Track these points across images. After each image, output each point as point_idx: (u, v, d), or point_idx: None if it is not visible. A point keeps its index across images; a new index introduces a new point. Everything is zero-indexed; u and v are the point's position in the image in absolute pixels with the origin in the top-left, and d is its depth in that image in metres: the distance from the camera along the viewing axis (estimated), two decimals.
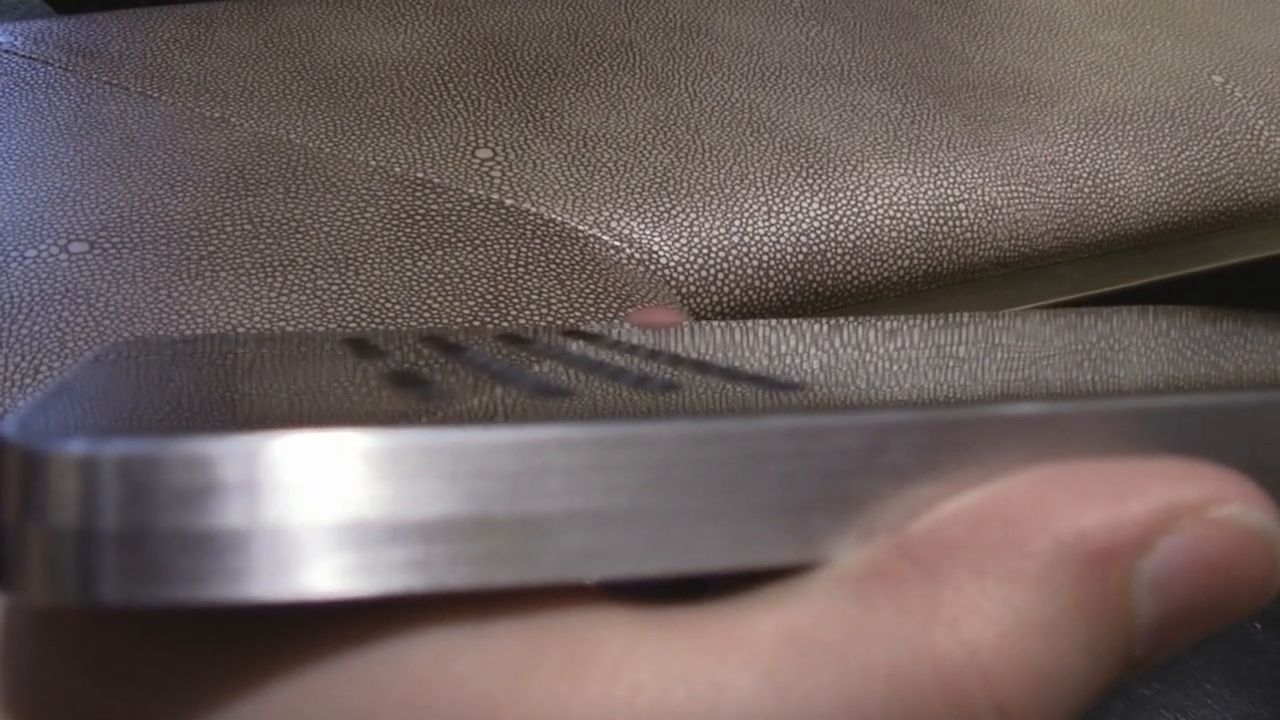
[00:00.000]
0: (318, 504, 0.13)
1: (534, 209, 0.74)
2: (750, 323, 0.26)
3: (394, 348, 0.21)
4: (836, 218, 0.78)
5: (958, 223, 0.81)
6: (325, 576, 0.13)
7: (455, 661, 0.14)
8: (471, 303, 0.64)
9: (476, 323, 0.63)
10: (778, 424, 0.15)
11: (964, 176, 0.82)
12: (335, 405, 0.17)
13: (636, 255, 0.73)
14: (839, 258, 0.77)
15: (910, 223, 0.80)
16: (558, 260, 0.68)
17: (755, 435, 0.14)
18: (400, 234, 0.67)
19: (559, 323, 0.63)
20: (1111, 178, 0.86)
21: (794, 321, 0.25)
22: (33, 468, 0.13)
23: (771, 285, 0.75)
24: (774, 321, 0.25)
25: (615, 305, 0.66)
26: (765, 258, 0.76)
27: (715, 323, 0.26)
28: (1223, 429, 0.16)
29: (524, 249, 0.69)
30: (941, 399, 0.16)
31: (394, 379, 0.18)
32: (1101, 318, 0.27)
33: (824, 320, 0.26)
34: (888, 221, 0.79)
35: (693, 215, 0.75)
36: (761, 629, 0.14)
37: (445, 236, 0.68)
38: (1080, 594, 0.15)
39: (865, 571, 0.15)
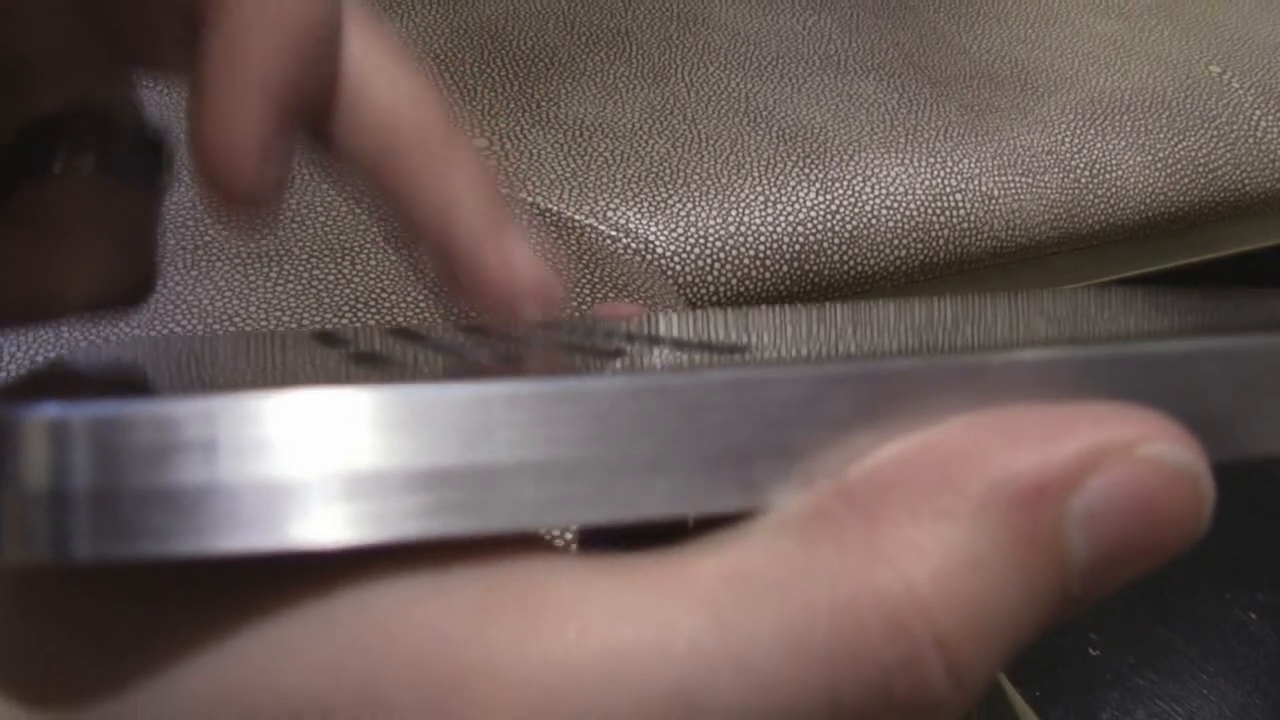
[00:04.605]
0: (277, 460, 0.14)
1: (530, 199, 0.74)
2: (705, 308, 0.27)
3: (358, 337, 0.22)
4: (833, 207, 0.78)
5: (954, 213, 0.81)
6: (285, 530, 0.14)
7: (416, 609, 0.14)
8: None
9: (472, 313, 0.63)
10: (717, 377, 0.15)
11: (960, 167, 0.82)
12: (295, 374, 0.18)
13: (633, 245, 0.73)
14: (835, 247, 0.77)
15: (907, 213, 0.80)
16: (554, 250, 0.68)
17: (695, 388, 0.15)
18: None
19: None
20: (1108, 168, 0.86)
21: (748, 307, 0.26)
22: (5, 433, 0.13)
23: (768, 275, 0.75)
24: (725, 309, 0.26)
25: (612, 295, 0.66)
26: (762, 247, 0.76)
27: (673, 310, 0.27)
28: (1152, 376, 0.17)
29: None
30: (877, 352, 0.17)
31: (355, 358, 0.19)
32: (1037, 296, 0.27)
33: (777, 306, 0.27)
34: (884, 211, 0.79)
35: (689, 205, 0.75)
36: (706, 570, 0.15)
37: None
38: (1012, 531, 0.15)
39: (806, 514, 0.15)
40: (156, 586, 0.15)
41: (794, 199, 0.78)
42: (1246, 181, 0.90)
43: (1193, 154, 0.89)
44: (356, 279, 0.63)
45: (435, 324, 0.25)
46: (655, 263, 0.73)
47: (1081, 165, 0.85)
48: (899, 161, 0.81)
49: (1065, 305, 0.25)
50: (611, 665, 0.14)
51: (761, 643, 0.14)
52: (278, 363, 0.19)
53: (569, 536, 0.16)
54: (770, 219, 0.76)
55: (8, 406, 0.14)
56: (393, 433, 0.14)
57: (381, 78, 0.24)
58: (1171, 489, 0.16)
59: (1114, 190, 0.85)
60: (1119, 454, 0.16)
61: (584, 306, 0.64)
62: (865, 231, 0.78)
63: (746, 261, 0.75)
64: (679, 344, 0.19)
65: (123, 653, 0.15)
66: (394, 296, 0.63)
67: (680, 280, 0.73)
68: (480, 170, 0.25)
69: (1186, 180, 0.88)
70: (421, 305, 0.62)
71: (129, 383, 0.17)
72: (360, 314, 0.61)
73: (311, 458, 0.14)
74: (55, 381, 0.16)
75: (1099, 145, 0.87)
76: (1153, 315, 0.23)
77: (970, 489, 0.15)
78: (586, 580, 0.15)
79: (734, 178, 0.77)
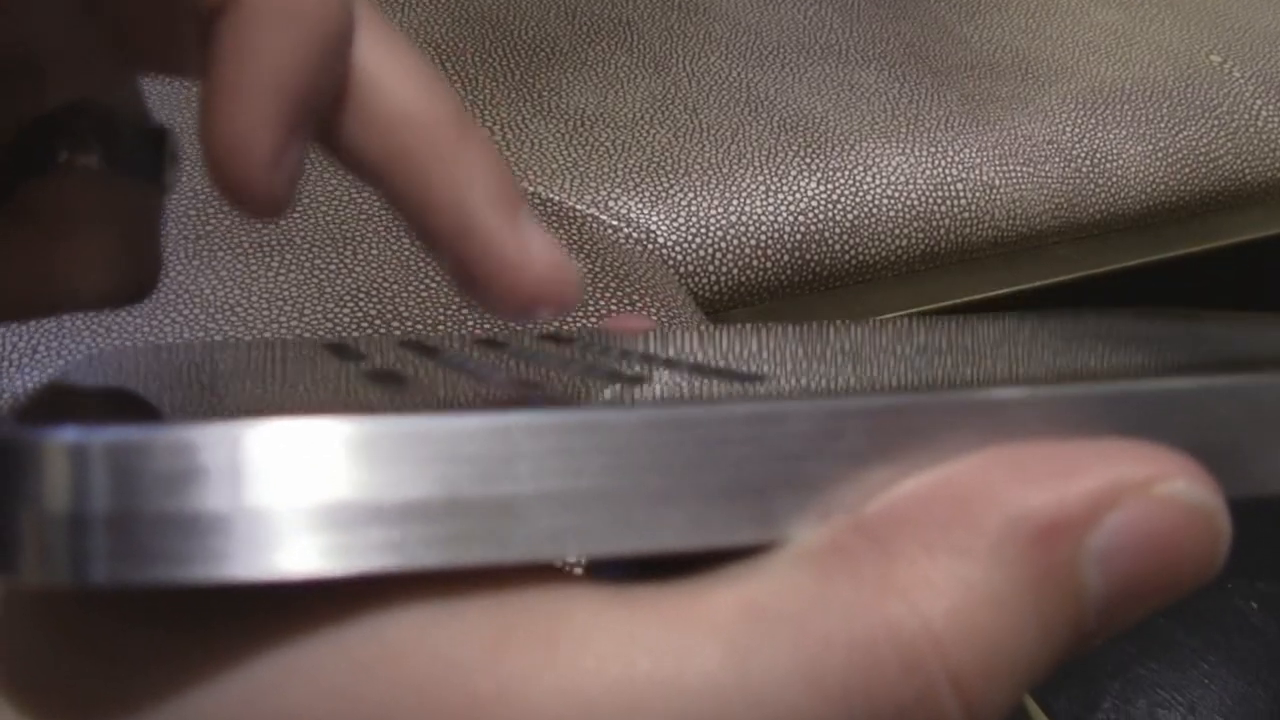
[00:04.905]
0: (297, 487, 0.14)
1: (532, 188, 0.74)
2: (719, 325, 0.27)
3: (372, 351, 0.22)
4: (834, 197, 0.78)
5: (955, 202, 0.81)
6: (304, 557, 0.14)
7: (431, 637, 0.14)
8: None
9: (474, 302, 0.63)
10: (735, 410, 0.15)
11: (962, 156, 0.82)
12: (314, 397, 0.18)
13: (635, 235, 0.73)
14: (837, 237, 0.77)
15: (908, 202, 0.80)
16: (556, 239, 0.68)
17: (713, 420, 0.15)
18: None
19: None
20: (1109, 157, 0.86)
21: (761, 325, 0.27)
22: (26, 456, 0.13)
23: (769, 264, 0.75)
24: (741, 325, 0.27)
25: (613, 285, 0.66)
26: (763, 237, 0.76)
27: (686, 326, 0.27)
28: (1166, 412, 0.17)
29: None
30: (894, 385, 0.17)
31: (371, 376, 0.19)
32: (1037, 320, 0.28)
33: (789, 324, 0.27)
34: (885, 201, 0.79)
35: (691, 195, 0.75)
36: (723, 602, 0.15)
37: None
38: (1028, 568, 0.15)
39: (823, 548, 0.15)
40: (171, 607, 0.15)
41: (795, 188, 0.78)
42: (1247, 171, 0.90)
43: (1193, 143, 0.89)
44: (358, 268, 0.63)
45: (448, 336, 0.25)
46: (656, 252, 0.73)
47: (1082, 155, 0.85)
48: (900, 151, 0.81)
49: (1078, 331, 0.25)
50: (626, 696, 0.14)
51: (777, 676, 0.14)
52: (293, 381, 0.19)
53: (583, 565, 0.16)
54: (771, 208, 0.76)
55: (27, 428, 0.14)
56: (413, 462, 0.14)
57: (392, 74, 0.24)
58: (1188, 527, 0.16)
59: (1115, 179, 0.85)
60: (1136, 491, 0.16)
61: (586, 296, 0.64)
62: (866, 221, 0.78)
63: (748, 251, 0.75)
64: (697, 369, 0.19)
65: (136, 673, 0.15)
66: (395, 286, 0.63)
67: (681, 270, 0.73)
68: (494, 163, 0.25)
69: (1187, 170, 0.88)
70: (423, 295, 0.62)
71: (145, 403, 0.17)
72: (362, 303, 0.61)
73: (329, 486, 0.14)
74: (71, 400, 0.16)
75: (1100, 135, 0.87)
76: (1165, 345, 0.23)
77: (987, 525, 0.15)
78: (602, 610, 0.15)
79: (735, 167, 0.77)
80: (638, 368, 0.19)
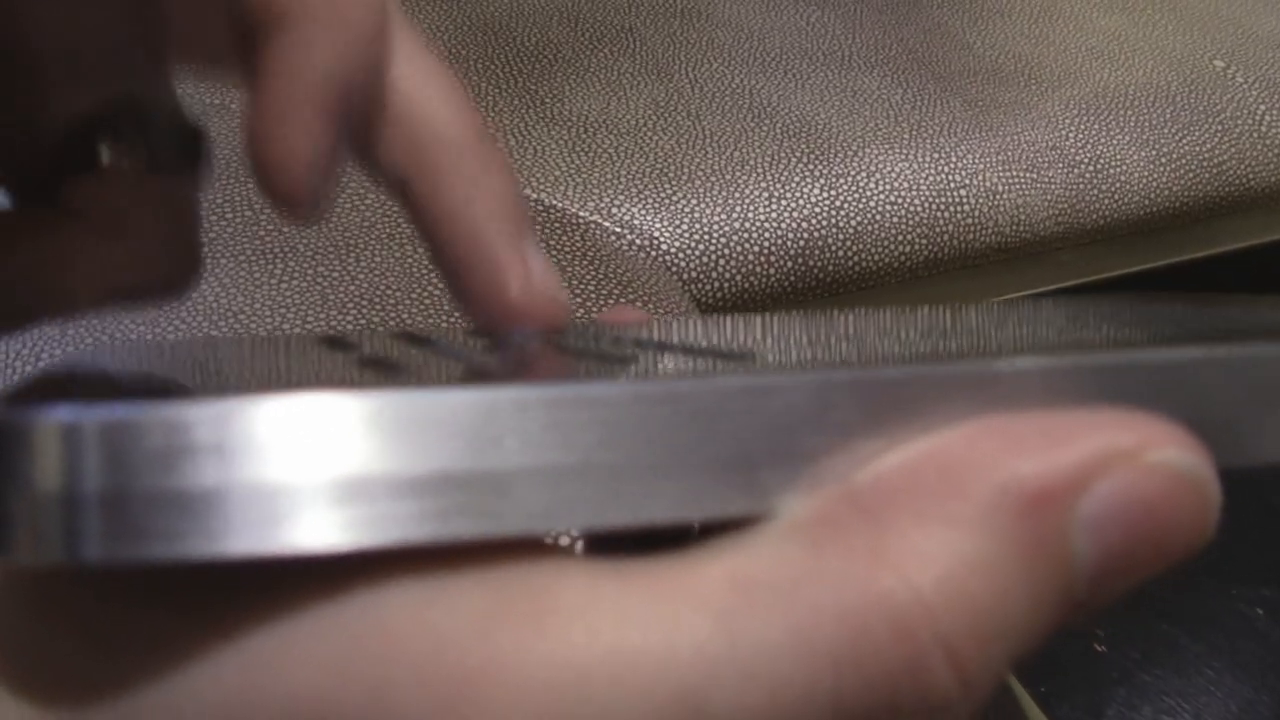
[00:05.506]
0: (288, 464, 0.14)
1: (534, 195, 0.74)
2: (710, 316, 0.27)
3: (365, 341, 0.23)
4: (837, 203, 0.78)
5: (959, 208, 0.81)
6: (296, 533, 0.14)
7: (424, 612, 0.14)
8: None
9: (464, 311, 0.63)
10: (726, 383, 0.15)
11: (965, 162, 0.82)
12: (306, 378, 0.18)
13: (637, 241, 0.73)
14: (840, 244, 0.77)
15: (911, 208, 0.80)
16: (559, 246, 0.68)
17: (704, 394, 0.15)
18: (401, 221, 0.67)
19: None
20: (1112, 163, 0.86)
21: (750, 314, 0.27)
22: (18, 436, 0.13)
23: (773, 271, 0.75)
24: (732, 316, 0.27)
25: (616, 291, 0.66)
26: (766, 244, 0.76)
27: (677, 316, 0.27)
28: (1158, 383, 0.17)
29: None
30: (884, 358, 0.17)
31: (364, 362, 0.19)
32: (1037, 304, 0.28)
33: (778, 312, 0.27)
34: (889, 207, 0.79)
35: (694, 201, 0.75)
36: (713, 575, 0.15)
37: None
38: (1018, 536, 0.15)
39: (813, 519, 0.15)
40: (166, 588, 0.15)
41: (798, 195, 0.78)
42: (1251, 176, 0.90)
43: (1197, 149, 0.89)
44: (361, 276, 0.63)
45: (442, 328, 0.26)
46: (659, 259, 0.73)
47: (1085, 160, 0.85)
48: (903, 157, 0.81)
49: (1067, 311, 0.25)
50: (618, 669, 0.14)
51: (768, 647, 0.14)
52: (286, 367, 0.19)
53: (576, 539, 0.16)
54: (775, 215, 0.76)
55: (20, 409, 0.14)
56: (402, 437, 0.14)
57: (424, 91, 0.25)
58: (1177, 495, 0.16)
59: (1118, 185, 0.85)
60: (1125, 460, 0.16)
61: (589, 302, 0.64)
62: (870, 227, 0.78)
63: (751, 258, 0.75)
64: (687, 350, 0.20)
65: (132, 654, 0.15)
66: (398, 294, 0.63)
67: (685, 276, 0.73)
68: (510, 186, 0.26)
69: (1190, 175, 0.88)
70: (426, 303, 0.62)
71: (139, 386, 0.17)
72: (365, 311, 0.61)
73: (320, 462, 0.14)
74: (65, 384, 0.17)
75: (1103, 140, 0.87)
76: (1157, 322, 0.23)
77: (977, 494, 0.15)
78: (594, 584, 0.15)
79: (738, 174, 0.77)
80: (628, 350, 0.20)
